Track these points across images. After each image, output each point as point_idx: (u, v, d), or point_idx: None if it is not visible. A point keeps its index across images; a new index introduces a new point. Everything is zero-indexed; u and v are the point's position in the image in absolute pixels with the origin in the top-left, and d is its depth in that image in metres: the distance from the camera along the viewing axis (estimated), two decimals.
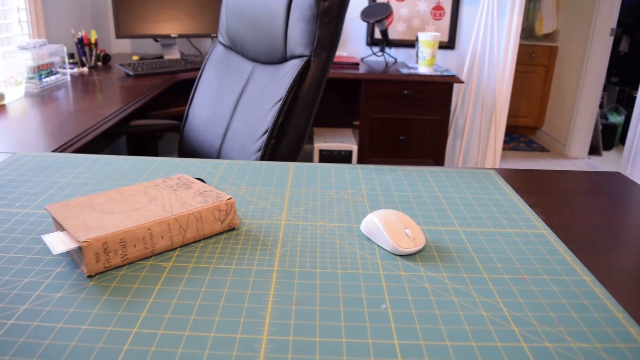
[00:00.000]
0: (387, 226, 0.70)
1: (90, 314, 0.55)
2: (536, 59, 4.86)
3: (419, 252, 0.70)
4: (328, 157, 2.93)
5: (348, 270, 0.64)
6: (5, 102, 1.71)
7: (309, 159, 2.95)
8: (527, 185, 0.96)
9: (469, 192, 0.91)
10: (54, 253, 0.60)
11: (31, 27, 2.46)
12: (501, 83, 3.40)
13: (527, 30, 4.96)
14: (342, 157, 2.93)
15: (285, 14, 1.24)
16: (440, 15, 3.30)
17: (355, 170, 0.99)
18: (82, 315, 0.55)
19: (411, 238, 0.69)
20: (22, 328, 0.53)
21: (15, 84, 1.81)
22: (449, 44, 3.36)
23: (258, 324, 0.54)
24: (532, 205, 0.87)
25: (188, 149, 1.54)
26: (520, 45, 4.75)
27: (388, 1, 3.28)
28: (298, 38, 1.21)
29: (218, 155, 1.39)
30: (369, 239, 0.72)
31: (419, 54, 2.91)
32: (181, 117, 2.33)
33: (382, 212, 0.73)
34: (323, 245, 0.70)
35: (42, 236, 0.64)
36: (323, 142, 2.93)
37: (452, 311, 0.57)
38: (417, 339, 0.53)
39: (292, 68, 1.21)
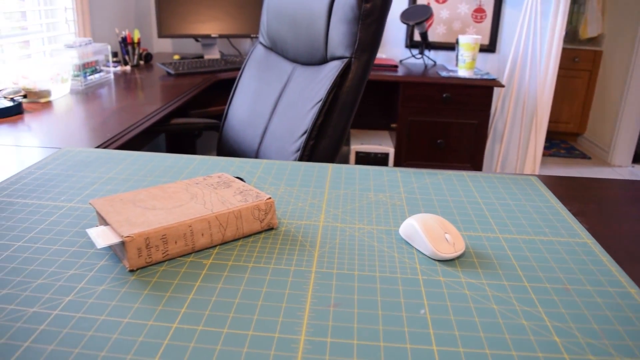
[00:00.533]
0: (426, 231, 0.69)
1: (131, 308, 0.56)
2: (579, 63, 4.74)
3: (458, 257, 0.69)
4: (364, 159, 2.92)
5: (386, 274, 0.64)
6: (51, 98, 1.76)
7: (344, 160, 2.95)
8: (569, 193, 0.94)
9: (510, 198, 0.89)
10: (98, 247, 0.62)
11: (77, 26, 2.53)
12: (543, 87, 3.33)
13: (571, 34, 4.85)
14: (379, 160, 2.91)
15: (326, 15, 1.25)
16: (481, 17, 3.26)
17: (393, 173, 0.98)
18: (123, 309, 0.56)
19: (451, 243, 0.68)
20: (66, 319, 0.55)
21: (62, 81, 1.86)
22: (489, 47, 3.31)
23: (296, 325, 0.54)
24: (575, 214, 0.85)
25: (227, 148, 1.56)
26: (563, 49, 4.65)
27: (428, 3, 3.25)
28: (339, 39, 1.21)
29: (256, 155, 1.40)
30: (407, 243, 0.72)
31: (459, 57, 2.87)
32: (220, 116, 2.36)
33: (422, 216, 0.72)
34: (361, 247, 0.70)
35: (87, 230, 0.66)
36: (360, 144, 2.93)
37: (492, 319, 0.56)
38: (456, 346, 0.52)
39: (332, 69, 1.21)
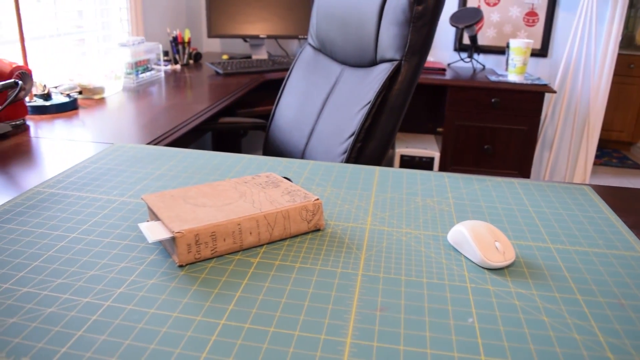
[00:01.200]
0: (476, 238, 0.67)
1: (180, 303, 0.57)
2: (635, 69, 4.58)
3: (508, 267, 0.67)
4: (409, 163, 2.89)
5: (434, 280, 0.63)
6: (105, 95, 1.82)
7: (389, 163, 2.93)
8: (624, 204, 0.90)
9: (562, 207, 0.87)
10: (149, 241, 0.63)
11: (131, 25, 2.59)
12: (596, 94, 3.23)
13: (626, 40, 4.68)
14: (424, 164, 2.88)
15: (377, 17, 1.24)
16: (533, 21, 3.18)
17: (441, 178, 0.97)
18: (173, 303, 0.57)
19: (501, 252, 0.67)
20: (118, 310, 0.56)
21: (115, 79, 1.92)
22: (541, 52, 3.23)
23: (342, 327, 0.53)
24: (631, 226, 0.82)
25: (273, 148, 1.57)
26: (618, 55, 4.50)
27: (479, 6, 3.20)
28: (389, 42, 1.21)
29: (302, 156, 1.41)
30: (455, 250, 0.70)
31: (510, 61, 2.82)
32: (266, 116, 2.38)
33: (471, 222, 0.71)
34: (408, 252, 0.69)
35: (139, 224, 0.67)
36: (405, 148, 2.90)
37: (543, 331, 0.55)
38: (505, 356, 0.51)
39: (381, 72, 1.21)
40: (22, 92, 1.36)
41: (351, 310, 0.56)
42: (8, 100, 1.17)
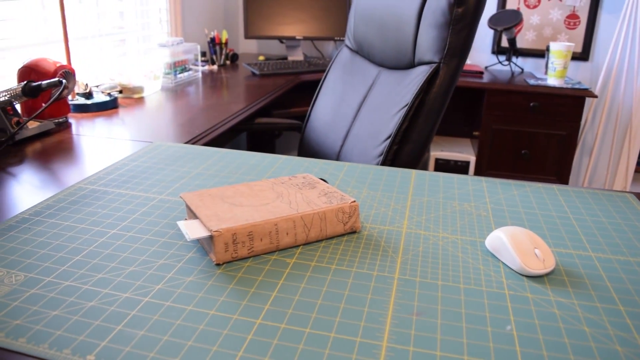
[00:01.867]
0: (515, 244, 0.66)
1: (217, 301, 0.58)
2: None
3: (547, 275, 0.66)
4: (444, 166, 2.86)
5: (471, 286, 0.62)
6: (144, 94, 1.85)
7: (423, 167, 2.91)
8: None
9: (604, 215, 0.84)
10: (188, 239, 0.64)
11: (170, 26, 2.64)
12: (639, 99, 3.14)
13: None
14: (459, 168, 2.85)
15: (416, 19, 1.23)
16: (574, 24, 3.12)
17: (479, 183, 0.95)
18: (210, 301, 0.58)
19: (541, 259, 0.65)
20: (156, 306, 0.57)
21: (154, 79, 1.95)
22: (582, 55, 3.16)
23: (378, 330, 0.53)
24: None
25: (308, 149, 1.58)
26: None
27: (518, 8, 3.14)
28: (428, 44, 1.20)
29: (337, 157, 1.41)
30: (493, 256, 0.69)
31: (549, 65, 2.76)
32: (302, 118, 2.39)
33: (510, 229, 0.69)
34: (445, 257, 0.69)
35: (178, 222, 0.68)
36: (440, 151, 2.87)
37: (583, 342, 0.53)
38: None
39: (420, 74, 1.20)
40: (66, 91, 1.40)
41: (387, 313, 0.56)
42: (52, 99, 1.20)
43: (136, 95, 1.82)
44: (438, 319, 0.55)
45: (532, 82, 2.76)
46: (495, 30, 2.90)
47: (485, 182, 0.96)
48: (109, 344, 0.51)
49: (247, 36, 2.89)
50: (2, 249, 0.69)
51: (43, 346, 0.51)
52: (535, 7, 3.14)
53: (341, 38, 2.96)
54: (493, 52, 3.27)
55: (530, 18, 3.17)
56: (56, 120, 1.36)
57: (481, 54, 3.28)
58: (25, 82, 1.26)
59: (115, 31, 2.28)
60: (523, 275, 0.65)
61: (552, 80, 2.75)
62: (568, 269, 0.67)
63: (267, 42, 3.45)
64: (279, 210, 0.68)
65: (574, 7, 3.10)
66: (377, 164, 1.23)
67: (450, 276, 0.64)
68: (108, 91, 1.70)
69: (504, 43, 3.23)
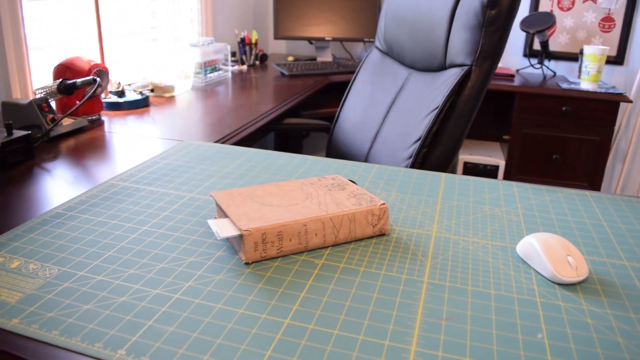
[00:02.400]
0: (547, 251, 0.65)
1: (246, 300, 0.58)
2: None
3: (580, 283, 0.64)
4: (472, 170, 2.83)
5: (502, 292, 0.61)
6: (174, 93, 1.87)
7: (451, 170, 2.88)
8: None
9: (638, 223, 0.82)
10: (218, 238, 0.64)
11: (201, 26, 2.66)
12: None
13: None
14: (487, 172, 2.81)
15: (448, 21, 1.22)
16: (609, 27, 3.05)
17: (510, 188, 0.94)
18: (239, 300, 0.58)
19: (573, 267, 0.64)
20: (186, 303, 0.57)
21: (185, 78, 1.97)
22: (617, 59, 3.09)
23: (406, 334, 0.53)
24: None
25: (336, 150, 1.57)
26: None
27: (551, 10, 3.09)
28: (460, 46, 1.18)
29: (366, 159, 1.41)
30: (525, 262, 0.68)
31: (583, 69, 2.71)
32: (330, 119, 2.39)
33: (542, 235, 0.68)
34: (475, 262, 0.68)
35: (208, 221, 0.69)
36: (469, 155, 2.84)
37: (617, 353, 0.52)
38: None
39: (451, 77, 1.19)
40: (99, 89, 1.42)
41: (416, 317, 0.56)
42: (87, 96, 1.22)
43: (167, 94, 1.84)
44: (468, 324, 0.55)
45: (564, 85, 2.71)
46: (527, 32, 2.86)
47: (516, 187, 0.94)
48: (140, 339, 0.51)
49: (277, 37, 2.90)
50: (37, 243, 0.70)
51: (75, 339, 0.52)
52: (569, 9, 3.09)
53: (370, 39, 2.95)
54: (525, 55, 3.22)
55: (564, 20, 3.11)
56: (89, 118, 1.38)
57: (512, 57, 3.24)
58: (60, 80, 1.29)
59: (148, 31, 2.31)
60: (555, 282, 0.64)
61: (586, 85, 2.70)
62: (602, 278, 0.66)
63: (296, 42, 3.46)
64: (308, 210, 0.68)
65: (609, 9, 3.04)
66: (406, 167, 1.22)
67: (481, 282, 0.63)
68: (140, 90, 1.73)
69: (536, 46, 3.18)
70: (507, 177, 2.78)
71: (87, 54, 1.79)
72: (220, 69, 2.31)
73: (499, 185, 0.95)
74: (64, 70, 1.40)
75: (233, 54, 2.78)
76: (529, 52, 3.20)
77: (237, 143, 1.35)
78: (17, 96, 1.40)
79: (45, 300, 0.58)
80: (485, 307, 0.58)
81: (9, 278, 0.62)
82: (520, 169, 2.78)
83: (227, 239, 0.70)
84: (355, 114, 1.50)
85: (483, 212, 0.83)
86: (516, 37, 3.21)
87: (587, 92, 2.62)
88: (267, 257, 0.65)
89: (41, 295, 0.59)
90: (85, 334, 0.52)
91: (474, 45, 1.15)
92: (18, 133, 1.05)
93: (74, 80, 1.28)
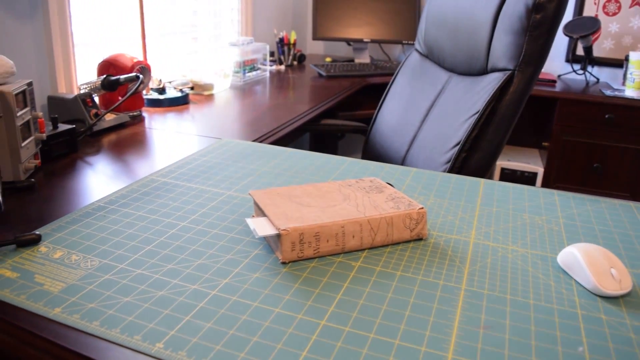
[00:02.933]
0: (589, 262, 0.63)
1: (282, 299, 0.58)
2: None
3: (623, 296, 0.62)
4: (509, 176, 2.78)
5: (541, 303, 0.60)
6: (214, 91, 1.89)
7: (488, 175, 2.83)
8: None
9: None
10: (256, 236, 0.65)
11: (241, 25, 2.69)
12: None
13: None
14: (525, 179, 2.76)
15: (491, 25, 1.20)
16: None
17: (550, 196, 0.92)
18: (275, 299, 0.58)
19: (617, 279, 0.62)
20: (223, 300, 0.58)
21: (224, 77, 1.99)
22: None
23: (444, 341, 0.52)
24: None
25: (373, 152, 1.57)
26: None
27: (596, 15, 3.02)
28: (502, 51, 1.17)
29: (402, 162, 1.40)
30: (565, 273, 0.67)
31: (628, 76, 2.63)
32: (367, 120, 2.38)
33: (585, 245, 0.67)
34: (514, 271, 0.66)
35: (246, 219, 0.69)
36: (506, 161, 2.79)
37: None
38: None
39: (492, 81, 1.17)
40: (141, 86, 1.45)
41: (453, 324, 0.55)
42: (129, 93, 1.24)
43: (206, 92, 1.87)
44: (506, 334, 0.54)
45: (608, 92, 2.64)
46: (570, 37, 2.80)
47: (557, 195, 0.92)
48: (177, 334, 0.52)
49: (315, 37, 2.91)
50: (79, 235, 0.72)
51: (115, 331, 0.53)
52: (614, 14, 3.01)
53: (409, 42, 2.93)
54: (567, 61, 3.15)
55: (609, 26, 3.04)
56: (131, 114, 1.41)
57: (554, 62, 3.17)
58: (104, 76, 1.32)
59: (189, 29, 2.34)
60: (597, 295, 0.62)
61: (630, 92, 2.63)
62: None
63: (334, 43, 3.46)
64: (345, 212, 0.68)
65: None
66: (444, 171, 1.21)
67: (520, 291, 0.62)
68: (180, 87, 1.75)
69: (579, 51, 3.11)
70: (545, 184, 2.73)
71: (130, 51, 1.83)
72: (258, 69, 2.33)
73: (539, 193, 0.93)
74: (108, 67, 1.43)
75: (271, 54, 2.80)
76: (572, 58, 3.13)
77: (274, 142, 1.36)
78: (63, 91, 1.43)
79: (86, 291, 0.59)
80: (524, 317, 0.57)
81: (52, 268, 0.64)
82: (559, 177, 2.72)
83: (265, 238, 0.71)
84: (393, 116, 1.49)
85: (523, 220, 0.81)
86: (559, 42, 3.14)
87: (632, 99, 2.54)
88: (303, 257, 0.65)
89: (83, 286, 0.60)
90: (124, 326, 0.53)
91: (517, 49, 1.13)
92: (63, 127, 1.08)
93: (118, 77, 1.31)
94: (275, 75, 2.43)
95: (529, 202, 0.89)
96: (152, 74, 1.65)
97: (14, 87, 0.89)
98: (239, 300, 0.58)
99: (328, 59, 2.99)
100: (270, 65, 2.64)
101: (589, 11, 3.06)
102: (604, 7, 3.03)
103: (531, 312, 0.58)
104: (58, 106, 1.23)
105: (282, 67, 2.64)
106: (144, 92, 1.62)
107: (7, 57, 1.02)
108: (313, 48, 3.53)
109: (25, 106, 0.93)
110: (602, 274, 0.62)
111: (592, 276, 0.62)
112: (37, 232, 0.70)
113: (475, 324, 0.55)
